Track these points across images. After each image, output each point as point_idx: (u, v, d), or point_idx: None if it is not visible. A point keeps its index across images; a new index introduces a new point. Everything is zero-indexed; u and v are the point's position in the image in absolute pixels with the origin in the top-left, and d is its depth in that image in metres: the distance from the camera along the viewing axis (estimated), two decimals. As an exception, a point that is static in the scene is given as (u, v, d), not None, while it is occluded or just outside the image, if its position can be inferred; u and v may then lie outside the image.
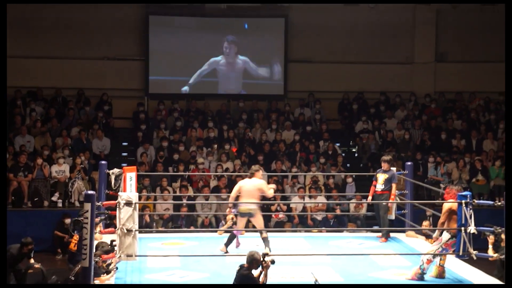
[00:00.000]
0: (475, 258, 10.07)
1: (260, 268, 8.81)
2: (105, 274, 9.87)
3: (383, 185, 12.51)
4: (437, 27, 21.03)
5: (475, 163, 17.76)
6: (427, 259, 10.16)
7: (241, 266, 8.81)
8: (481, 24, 20.85)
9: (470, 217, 9.93)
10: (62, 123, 18.65)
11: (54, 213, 16.13)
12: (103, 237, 11.38)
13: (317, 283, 8.74)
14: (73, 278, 9.88)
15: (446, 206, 10.23)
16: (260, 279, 8.78)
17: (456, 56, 21.12)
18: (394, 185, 12.49)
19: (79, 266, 9.57)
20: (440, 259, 10.30)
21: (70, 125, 18.58)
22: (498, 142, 18.98)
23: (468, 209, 9.95)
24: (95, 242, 10.12)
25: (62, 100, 19.49)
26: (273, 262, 8.80)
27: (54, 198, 16.55)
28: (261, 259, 8.77)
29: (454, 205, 10.12)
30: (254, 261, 8.75)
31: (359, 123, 19.66)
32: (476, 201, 10.25)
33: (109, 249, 10.30)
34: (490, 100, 20.46)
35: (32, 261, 11.24)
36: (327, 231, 14.66)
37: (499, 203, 9.99)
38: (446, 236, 10.12)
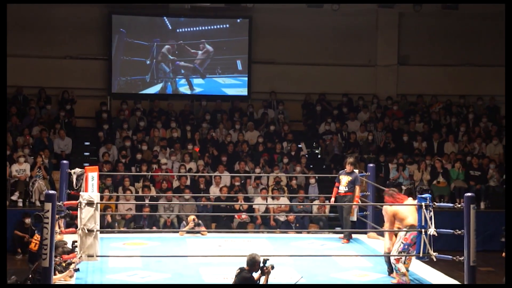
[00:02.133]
0: (435, 259, 10.17)
1: (259, 272, 8.67)
2: (56, 273, 9.74)
3: (346, 187, 12.58)
4: (400, 30, 21.21)
5: (436, 164, 17.94)
6: (395, 259, 10.24)
7: (242, 269, 8.67)
8: (443, 28, 21.08)
9: (431, 219, 10.01)
10: (23, 122, 18.46)
11: (14, 212, 15.95)
12: (63, 237, 11.28)
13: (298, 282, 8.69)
14: (31, 276, 9.79)
15: (389, 211, 10.33)
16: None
17: (418, 59, 21.32)
18: (357, 187, 12.58)
19: (37, 263, 9.50)
20: (405, 263, 10.38)
21: (31, 124, 18.40)
22: (458, 145, 19.22)
23: (428, 211, 10.04)
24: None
25: (23, 99, 19.28)
26: (273, 267, 8.67)
27: (14, 198, 16.38)
28: (262, 264, 8.62)
29: (394, 209, 10.27)
30: (254, 263, 8.61)
31: (322, 125, 19.76)
32: (436, 203, 10.35)
33: (70, 249, 10.22)
34: (451, 103, 20.69)
35: None
36: (290, 232, 14.69)
37: (459, 205, 10.10)
38: (401, 232, 10.24)
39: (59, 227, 10.76)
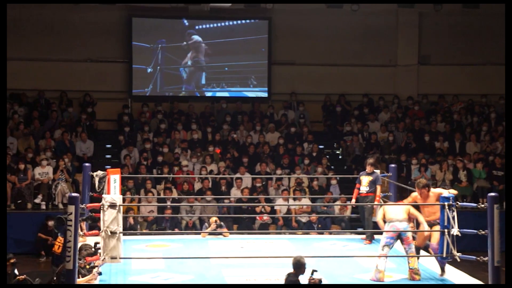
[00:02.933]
0: (459, 260, 10.12)
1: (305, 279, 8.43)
2: (80, 276, 9.78)
3: (367, 187, 12.56)
4: (420, 30, 21.13)
5: (458, 164, 17.84)
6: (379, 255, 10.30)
7: (289, 274, 8.44)
8: (463, 27, 20.97)
9: (454, 219, 9.97)
10: (45, 125, 18.57)
11: (37, 215, 16.06)
12: (86, 239, 11.33)
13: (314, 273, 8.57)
14: (55, 278, 9.84)
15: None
16: None
17: (439, 59, 21.22)
18: (378, 187, 12.55)
19: (61, 266, 9.54)
20: (409, 262, 10.39)
21: (53, 127, 18.51)
22: (481, 144, 19.09)
23: (451, 211, 9.99)
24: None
25: (45, 102, 19.41)
26: (320, 281, 8.39)
27: (37, 200, 16.48)
28: (310, 274, 8.39)
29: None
30: (300, 266, 8.37)
31: (344, 126, 19.71)
32: (459, 203, 10.29)
33: (93, 252, 10.27)
34: (473, 103, 20.58)
35: (16, 272, 11.13)
36: (311, 233, 14.68)
37: (482, 205, 10.04)
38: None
39: (81, 230, 10.82)
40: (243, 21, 20.50)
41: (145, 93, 20.30)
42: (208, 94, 20.54)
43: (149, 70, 20.25)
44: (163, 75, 20.33)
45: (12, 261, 10.76)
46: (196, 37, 20.30)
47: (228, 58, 20.49)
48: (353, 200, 12.77)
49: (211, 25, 20.43)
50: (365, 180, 12.59)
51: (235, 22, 20.48)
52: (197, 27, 20.38)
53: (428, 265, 11.02)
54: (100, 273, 9.91)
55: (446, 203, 10.01)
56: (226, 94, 20.51)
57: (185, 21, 20.31)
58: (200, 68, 20.42)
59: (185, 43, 20.29)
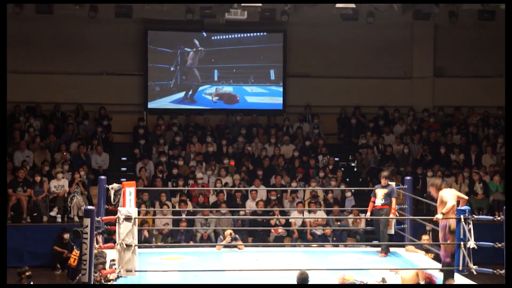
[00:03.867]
0: (475, 273, 10.05)
1: None
2: None
3: (382, 199, 12.51)
4: (435, 42, 21.11)
5: (473, 177, 17.76)
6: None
7: None
8: (479, 39, 20.92)
9: (470, 232, 9.91)
10: (61, 138, 18.67)
11: (53, 228, 16.11)
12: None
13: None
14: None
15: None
16: None
17: (454, 71, 21.18)
18: (394, 200, 12.49)
19: (77, 279, 9.56)
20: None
21: (69, 140, 18.59)
22: (497, 157, 19.00)
23: (467, 224, 9.93)
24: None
25: (61, 115, 19.51)
26: None
27: (53, 213, 16.54)
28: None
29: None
30: (304, 280, 8.36)
31: (359, 138, 19.68)
32: (475, 216, 10.23)
33: (105, 260, 10.28)
34: (489, 115, 20.50)
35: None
36: (326, 246, 14.63)
37: (499, 218, 9.98)
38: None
39: (97, 243, 10.84)
40: (258, 34, 20.58)
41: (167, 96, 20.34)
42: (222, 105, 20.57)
43: (171, 68, 20.26)
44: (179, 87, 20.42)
45: (27, 274, 10.80)
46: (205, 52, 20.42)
47: (241, 71, 20.56)
48: (368, 213, 12.71)
49: (226, 36, 20.49)
50: (380, 192, 12.55)
51: (249, 34, 20.54)
52: (213, 38, 20.46)
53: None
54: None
55: (462, 216, 9.96)
56: (235, 91, 20.49)
57: (204, 33, 20.43)
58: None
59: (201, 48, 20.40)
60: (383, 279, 10.26)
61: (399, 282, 10.22)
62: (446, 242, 10.29)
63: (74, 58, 20.10)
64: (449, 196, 10.31)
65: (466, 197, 10.78)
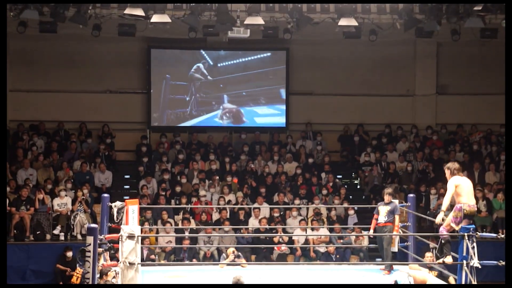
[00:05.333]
0: (478, 291, 10.03)
1: None
2: None
3: (385, 217, 12.48)
4: (438, 60, 21.15)
5: (476, 194, 17.73)
6: None
7: None
8: (481, 57, 20.96)
9: (473, 250, 9.88)
10: (64, 156, 18.69)
11: (56, 246, 16.11)
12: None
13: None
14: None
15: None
16: None
17: (457, 89, 21.21)
18: (397, 217, 12.47)
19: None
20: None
21: (72, 158, 18.61)
22: (500, 174, 18.97)
23: (471, 241, 9.91)
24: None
25: (64, 133, 19.54)
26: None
27: (56, 231, 16.53)
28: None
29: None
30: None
31: (362, 155, 19.69)
32: (479, 233, 10.22)
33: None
34: (492, 132, 20.49)
35: None
36: (330, 264, 14.59)
37: (502, 236, 9.96)
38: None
39: (105, 260, 10.84)
40: (261, 54, 20.65)
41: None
42: (226, 122, 20.60)
43: (187, 98, 20.37)
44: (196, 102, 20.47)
45: None
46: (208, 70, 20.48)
47: (245, 88, 20.61)
48: (371, 231, 12.69)
49: (230, 62, 20.56)
50: (383, 210, 12.53)
51: (253, 57, 20.59)
52: (219, 65, 20.53)
53: None
54: None
55: (465, 234, 9.93)
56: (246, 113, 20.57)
57: (204, 54, 20.50)
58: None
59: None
60: (395, 282, 10.26)
61: (412, 282, 10.22)
62: (457, 223, 10.22)
63: (77, 76, 20.16)
64: (450, 185, 10.28)
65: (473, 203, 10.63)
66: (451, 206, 10.44)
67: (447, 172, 10.47)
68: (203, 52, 20.51)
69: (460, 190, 10.23)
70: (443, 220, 10.39)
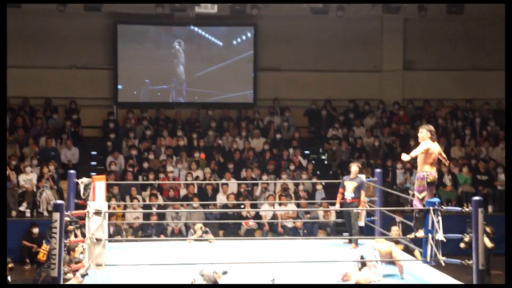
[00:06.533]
0: (443, 264, 10.14)
1: None
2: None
3: (352, 193, 12.54)
4: (405, 36, 21.23)
5: (442, 169, 17.91)
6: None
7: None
8: (448, 33, 21.08)
9: (438, 224, 9.98)
10: (30, 132, 18.52)
11: (22, 223, 16.00)
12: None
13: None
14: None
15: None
16: None
17: (424, 64, 21.32)
18: (363, 193, 12.54)
19: (44, 275, 9.52)
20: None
21: (38, 134, 18.44)
22: (465, 149, 19.17)
23: (436, 215, 10.00)
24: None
25: (30, 109, 19.34)
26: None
27: (22, 208, 16.41)
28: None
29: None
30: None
31: (330, 130, 19.76)
32: (444, 207, 10.32)
33: (79, 259, 10.25)
34: (458, 108, 20.67)
35: (9, 279, 11.07)
36: (297, 239, 14.67)
37: (467, 209, 10.07)
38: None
39: (76, 236, 10.79)
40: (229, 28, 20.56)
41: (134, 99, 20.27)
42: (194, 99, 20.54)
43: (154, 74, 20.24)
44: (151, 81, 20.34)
45: (10, 265, 10.73)
46: (178, 46, 20.29)
47: (212, 64, 20.51)
48: (337, 205, 12.77)
49: (197, 31, 20.45)
50: (349, 186, 12.58)
51: (221, 32, 20.51)
52: (183, 34, 20.41)
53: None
54: (85, 275, 9.86)
55: (431, 208, 10.03)
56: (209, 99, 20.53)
57: (171, 28, 20.36)
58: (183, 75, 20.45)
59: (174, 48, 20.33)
60: (361, 257, 10.34)
61: (378, 256, 10.31)
62: (420, 191, 10.32)
63: (43, 52, 19.95)
64: (422, 147, 10.34)
65: (445, 159, 10.79)
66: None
67: (422, 134, 10.53)
68: (171, 28, 20.37)
69: (427, 157, 10.31)
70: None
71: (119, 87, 20.13)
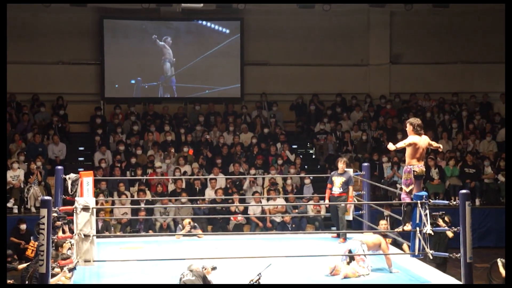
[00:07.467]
0: (431, 257, 10.18)
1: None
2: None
3: (340, 188, 12.57)
4: (391, 29, 21.27)
5: (429, 162, 17.97)
6: None
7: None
8: (434, 26, 21.14)
9: (426, 217, 10.02)
10: (17, 127, 18.44)
11: (9, 219, 15.85)
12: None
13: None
14: (27, 282, 9.79)
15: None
16: None
17: (410, 58, 21.37)
18: (351, 188, 12.58)
19: (32, 270, 9.50)
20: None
21: (24, 130, 18.37)
22: (452, 142, 19.24)
23: (424, 208, 10.04)
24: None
25: (16, 105, 19.26)
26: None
27: (9, 204, 16.34)
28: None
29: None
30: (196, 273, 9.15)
31: (317, 125, 19.78)
32: (431, 200, 10.36)
33: (67, 256, 10.23)
34: (444, 101, 20.74)
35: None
36: (286, 233, 14.70)
37: (454, 202, 10.12)
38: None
39: (64, 232, 10.77)
40: (215, 22, 20.52)
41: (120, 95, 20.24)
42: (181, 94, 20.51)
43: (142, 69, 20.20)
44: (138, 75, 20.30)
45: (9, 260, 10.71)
46: (162, 43, 20.25)
47: (199, 58, 20.48)
48: (326, 201, 12.79)
49: (184, 26, 20.41)
50: (337, 181, 12.61)
51: (207, 23, 20.49)
52: (169, 28, 20.37)
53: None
54: (73, 269, 9.84)
55: (418, 201, 10.07)
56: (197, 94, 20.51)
57: (158, 23, 20.31)
58: (171, 70, 20.41)
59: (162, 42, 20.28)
60: (349, 251, 10.38)
61: (366, 250, 10.35)
62: (408, 185, 10.35)
63: (29, 47, 19.86)
64: (409, 140, 10.38)
65: (438, 145, 10.83)
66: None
67: (409, 128, 10.54)
68: (157, 23, 20.31)
69: (414, 151, 10.34)
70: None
71: (107, 84, 20.07)
